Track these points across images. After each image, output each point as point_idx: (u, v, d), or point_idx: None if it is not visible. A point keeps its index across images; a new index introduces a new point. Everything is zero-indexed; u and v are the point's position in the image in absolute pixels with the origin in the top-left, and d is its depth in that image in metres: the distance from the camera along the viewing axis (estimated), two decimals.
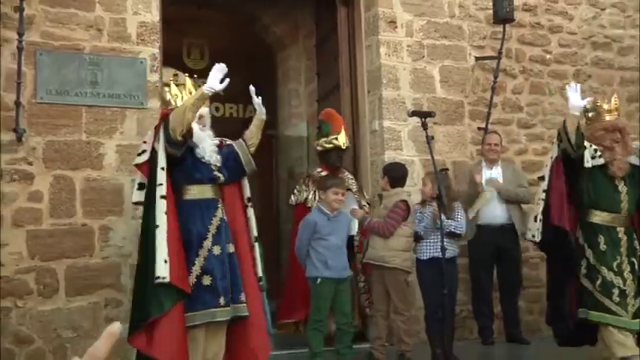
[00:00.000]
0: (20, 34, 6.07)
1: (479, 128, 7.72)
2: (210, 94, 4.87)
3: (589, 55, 8.57)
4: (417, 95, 7.65)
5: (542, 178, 5.83)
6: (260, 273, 5.09)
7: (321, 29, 8.38)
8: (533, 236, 5.68)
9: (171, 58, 7.14)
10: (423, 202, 6.20)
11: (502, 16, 7.74)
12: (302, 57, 9.02)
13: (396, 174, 6.30)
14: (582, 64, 8.51)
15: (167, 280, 4.48)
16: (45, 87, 6.26)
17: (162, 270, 4.49)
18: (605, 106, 5.74)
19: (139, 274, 4.80)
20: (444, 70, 7.82)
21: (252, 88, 5.26)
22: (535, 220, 5.68)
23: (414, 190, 6.89)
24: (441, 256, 5.66)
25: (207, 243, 4.78)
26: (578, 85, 5.71)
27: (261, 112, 5.28)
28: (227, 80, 4.88)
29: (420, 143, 7.40)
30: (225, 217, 4.95)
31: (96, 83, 5.82)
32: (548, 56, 8.40)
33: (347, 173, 6.92)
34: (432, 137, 5.63)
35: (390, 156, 7.42)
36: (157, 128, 4.94)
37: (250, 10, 7.58)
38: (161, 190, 4.68)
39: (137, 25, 6.59)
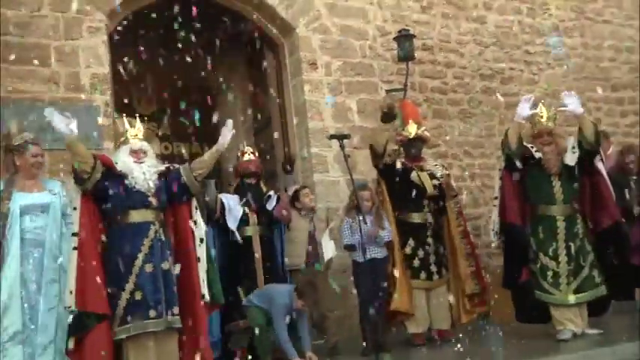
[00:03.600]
0: None
1: None
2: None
3: (478, 84, 8.64)
4: (339, 125, 7.61)
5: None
6: (203, 290, 4.79)
7: (253, 72, 8.33)
8: (496, 233, 5.84)
9: (123, 104, 6.98)
10: (352, 214, 5.92)
11: (405, 56, 7.81)
12: (238, 97, 8.92)
13: None
14: (474, 92, 8.57)
15: (72, 308, 4.38)
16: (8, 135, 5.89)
17: (68, 300, 4.40)
18: (539, 114, 5.76)
19: None
20: (359, 102, 7.82)
21: (229, 121, 5.03)
22: (494, 222, 5.82)
23: (340, 205, 6.83)
24: (378, 257, 5.78)
25: (139, 262, 4.58)
26: (532, 98, 5.73)
27: (222, 143, 4.99)
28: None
29: (343, 166, 7.37)
30: (162, 237, 4.71)
31: (54, 129, 5.58)
32: (445, 87, 8.45)
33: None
34: (349, 156, 5.61)
35: (318, 178, 7.40)
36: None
37: (190, 59, 7.47)
38: (73, 228, 4.58)
39: (90, 77, 6.46)
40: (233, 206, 5.98)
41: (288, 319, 5.33)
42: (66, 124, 4.63)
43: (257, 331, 5.30)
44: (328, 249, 6.07)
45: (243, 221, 6.02)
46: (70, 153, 4.76)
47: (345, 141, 5.66)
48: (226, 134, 4.95)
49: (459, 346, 5.51)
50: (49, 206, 4.80)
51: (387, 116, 6.55)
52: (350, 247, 5.86)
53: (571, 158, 5.63)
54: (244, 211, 6.02)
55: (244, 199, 6.04)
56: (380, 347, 5.40)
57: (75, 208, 4.61)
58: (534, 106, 5.75)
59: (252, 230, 6.03)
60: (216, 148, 4.99)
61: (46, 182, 5.00)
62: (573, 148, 5.63)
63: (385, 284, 5.82)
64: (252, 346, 5.57)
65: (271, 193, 6.20)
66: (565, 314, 5.52)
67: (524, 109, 5.63)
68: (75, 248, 4.51)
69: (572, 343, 5.25)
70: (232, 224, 5.92)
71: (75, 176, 4.65)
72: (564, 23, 9.43)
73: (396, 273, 5.89)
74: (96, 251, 4.60)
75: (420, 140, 6.37)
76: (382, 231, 5.84)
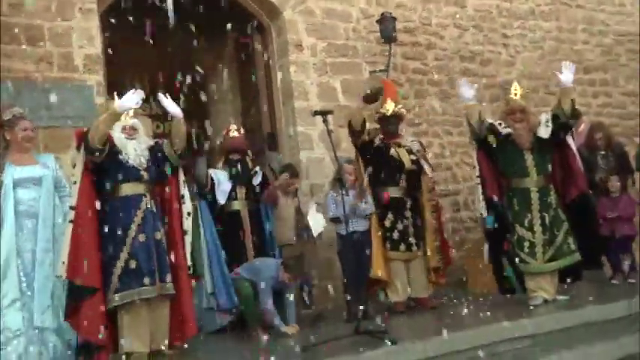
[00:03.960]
0: None
1: None
2: (120, 111, 4.70)
3: (458, 66, 8.67)
4: (323, 104, 7.51)
5: (474, 167, 5.96)
6: (189, 262, 4.89)
7: (241, 55, 8.28)
8: (481, 213, 5.87)
9: (116, 87, 6.99)
10: (336, 188, 5.93)
11: (388, 37, 7.83)
12: (229, 80, 8.79)
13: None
14: (453, 74, 8.55)
15: (63, 277, 4.44)
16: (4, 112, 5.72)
17: (60, 270, 4.45)
18: (512, 92, 5.80)
19: None
20: (344, 83, 7.81)
21: (160, 95, 4.96)
22: (479, 200, 5.84)
23: (326, 181, 6.88)
24: (360, 230, 5.85)
25: (131, 232, 4.63)
26: (466, 83, 5.87)
27: (173, 113, 4.93)
28: (139, 101, 4.68)
29: (328, 143, 7.44)
30: (153, 209, 4.77)
31: (49, 107, 5.59)
32: (426, 68, 8.48)
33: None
34: (332, 131, 5.58)
35: (303, 155, 7.44)
36: (77, 145, 4.77)
37: (180, 42, 7.47)
38: (71, 201, 4.60)
39: (83, 57, 6.42)
40: (222, 181, 6.01)
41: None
42: (130, 102, 4.60)
43: (245, 301, 5.38)
44: (317, 223, 6.10)
45: (232, 196, 6.05)
46: (101, 123, 4.65)
47: (330, 119, 5.66)
48: (168, 105, 4.90)
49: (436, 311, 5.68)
50: (41, 179, 4.85)
51: (370, 97, 6.51)
52: (335, 220, 5.92)
53: (545, 131, 5.65)
54: (233, 185, 6.05)
55: (232, 174, 6.06)
56: (363, 314, 5.37)
57: (75, 182, 4.61)
58: (473, 89, 5.82)
59: (239, 205, 6.07)
60: (174, 120, 4.96)
61: (39, 156, 5.04)
62: (547, 122, 5.66)
63: (368, 255, 5.87)
64: (241, 317, 5.63)
65: (257, 169, 6.23)
66: (538, 282, 5.60)
67: (466, 92, 5.76)
68: (71, 221, 4.53)
69: (543, 308, 5.36)
70: (222, 198, 5.97)
71: (87, 148, 4.60)
72: (540, 8, 9.45)
73: (374, 244, 5.95)
74: (92, 225, 4.61)
75: (396, 117, 6.35)
76: (364, 204, 5.90)
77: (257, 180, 6.15)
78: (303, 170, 7.30)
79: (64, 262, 4.42)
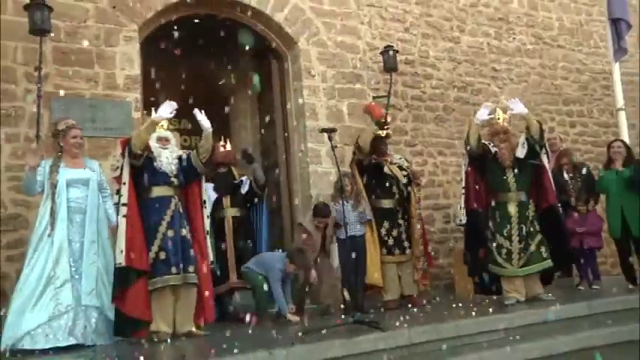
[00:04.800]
0: (39, 86, 6.02)
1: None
2: (158, 120, 5.02)
3: (452, 94, 8.79)
4: (332, 124, 7.48)
5: (460, 180, 6.15)
6: (211, 257, 5.13)
7: (263, 79, 8.35)
8: (461, 220, 6.03)
9: (151, 103, 7.23)
10: (337, 201, 6.15)
11: (390, 67, 7.95)
12: (247, 99, 9.03)
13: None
14: (448, 101, 8.71)
15: (123, 264, 4.67)
16: None
17: (119, 258, 4.69)
18: (497, 116, 6.02)
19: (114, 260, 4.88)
20: (350, 106, 7.93)
21: (196, 110, 5.22)
22: (460, 209, 6.03)
23: (331, 191, 6.89)
24: (358, 234, 5.98)
25: (162, 228, 4.85)
26: (489, 106, 6.01)
27: (205, 127, 5.20)
28: (173, 111, 5.00)
29: (334, 158, 7.64)
30: (180, 209, 4.98)
31: (94, 120, 5.89)
32: (424, 95, 8.60)
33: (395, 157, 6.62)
34: (336, 146, 5.67)
35: (312, 169, 7.54)
36: (122, 152, 5.00)
37: (208, 65, 7.77)
38: (123, 199, 4.82)
39: (124, 78, 6.65)
40: (210, 193, 6.01)
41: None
42: (166, 112, 4.91)
43: (260, 291, 5.59)
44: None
45: (219, 205, 6.14)
46: (142, 131, 4.97)
47: (336, 138, 5.91)
48: (201, 119, 5.16)
49: (425, 308, 5.81)
50: (89, 180, 5.11)
51: (381, 124, 6.49)
52: (337, 225, 6.10)
53: (521, 152, 5.80)
54: (220, 195, 6.15)
55: (219, 184, 6.15)
56: (359, 309, 5.58)
57: (124, 183, 4.85)
58: (492, 111, 6.00)
59: (224, 212, 6.15)
60: (205, 133, 5.23)
61: (86, 161, 5.30)
62: (523, 143, 5.82)
63: (364, 257, 6.03)
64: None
65: (244, 178, 6.24)
66: (512, 285, 5.74)
67: (483, 114, 5.91)
68: (124, 216, 4.77)
69: (515, 307, 5.51)
70: (208, 207, 5.84)
71: (130, 153, 4.88)
72: (525, 46, 9.55)
73: (370, 251, 6.07)
74: (139, 219, 4.85)
75: (387, 138, 6.57)
76: (363, 210, 6.09)
77: (244, 189, 6.19)
78: (312, 181, 7.47)
79: (122, 251, 4.67)
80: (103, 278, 4.94)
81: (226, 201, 6.22)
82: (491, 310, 5.35)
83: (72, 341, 4.72)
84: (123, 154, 4.96)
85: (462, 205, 6.00)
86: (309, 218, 6.26)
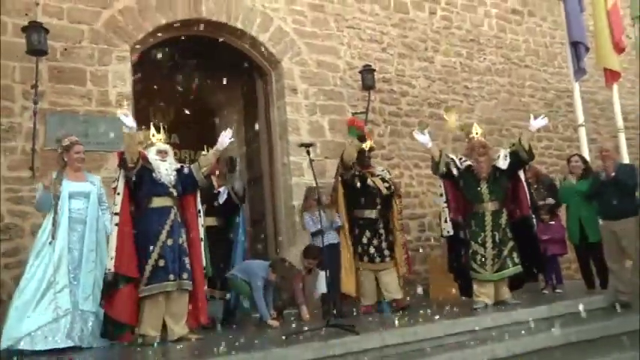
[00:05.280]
0: (35, 103, 6.15)
1: None
2: (220, 148, 5.24)
3: (427, 110, 8.87)
4: (313, 139, 7.67)
5: (441, 195, 6.13)
6: (203, 263, 5.11)
7: (246, 95, 8.50)
8: (448, 232, 5.99)
9: (144, 117, 7.28)
10: (308, 209, 6.26)
11: (368, 86, 8.10)
12: (234, 114, 9.01)
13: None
14: (422, 117, 8.78)
15: (112, 270, 4.71)
16: (52, 139, 6.18)
17: (109, 264, 4.74)
18: (474, 132, 6.07)
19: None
20: (331, 122, 7.99)
21: (229, 130, 5.32)
22: (445, 221, 6.00)
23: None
24: (334, 242, 5.95)
25: (162, 237, 4.88)
26: (426, 131, 6.19)
27: (221, 143, 5.26)
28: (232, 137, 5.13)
29: (317, 172, 7.57)
30: (178, 219, 5.01)
31: (87, 135, 5.93)
32: (400, 111, 8.68)
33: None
34: (313, 160, 5.70)
35: (295, 181, 7.55)
36: (119, 164, 5.05)
37: (197, 82, 7.80)
38: (115, 209, 4.87)
39: (116, 95, 6.69)
40: None
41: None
42: (128, 123, 4.89)
43: (245, 298, 5.64)
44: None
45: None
46: (125, 145, 4.96)
47: (317, 152, 5.81)
48: (224, 138, 5.24)
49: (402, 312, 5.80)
50: (89, 193, 5.20)
51: (362, 138, 6.40)
52: (316, 234, 6.06)
53: (503, 164, 5.88)
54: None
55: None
56: (336, 314, 5.60)
57: (118, 193, 4.90)
58: (428, 135, 6.09)
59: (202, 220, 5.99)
60: (216, 148, 5.29)
61: (87, 175, 5.38)
62: (506, 156, 5.89)
63: (338, 265, 6.02)
64: (227, 313, 5.80)
65: (222, 189, 6.11)
66: (483, 289, 5.81)
67: (422, 139, 6.06)
68: (116, 224, 4.79)
69: (483, 310, 5.61)
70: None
71: (123, 164, 4.90)
72: (495, 66, 9.69)
73: (345, 261, 6.05)
74: (131, 228, 4.88)
75: (371, 151, 6.57)
76: (336, 218, 6.15)
77: (222, 198, 6.06)
78: (294, 193, 7.50)
79: (112, 258, 4.71)
80: (100, 285, 4.97)
81: (203, 210, 6.11)
82: (461, 313, 5.45)
83: (70, 343, 4.79)
84: (119, 166, 4.98)
85: (447, 218, 6.02)
86: (297, 256, 6.15)
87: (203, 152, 5.74)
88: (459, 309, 5.69)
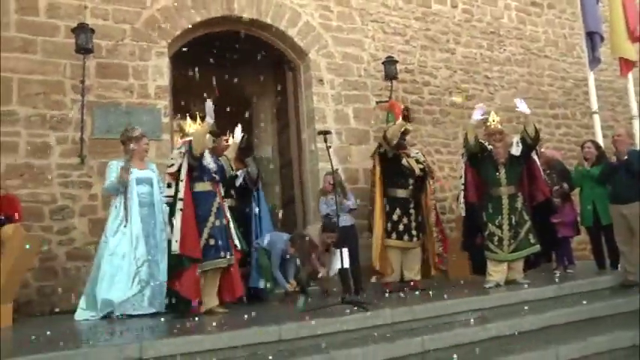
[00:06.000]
0: (83, 96, 6.33)
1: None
2: (237, 144, 5.52)
3: (448, 99, 8.75)
4: (338, 126, 7.81)
5: (460, 177, 6.12)
6: (236, 240, 5.11)
7: (277, 86, 8.46)
8: (461, 213, 6.05)
9: (182, 107, 7.37)
10: (325, 194, 6.23)
11: (391, 76, 8.02)
12: (267, 105, 9.11)
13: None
14: (443, 106, 8.68)
15: (177, 252, 4.70)
16: (98, 129, 6.43)
17: (175, 246, 4.72)
18: (491, 119, 5.94)
19: (169, 246, 4.85)
20: (355, 110, 7.96)
21: (239, 126, 5.55)
22: (460, 203, 6.00)
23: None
24: (347, 225, 5.88)
25: (211, 219, 4.91)
26: (483, 106, 5.94)
27: (237, 138, 5.59)
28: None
29: (341, 157, 7.64)
30: (221, 202, 5.07)
31: (129, 125, 6.03)
32: (422, 100, 8.59)
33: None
34: (330, 146, 5.62)
35: (321, 165, 7.51)
36: (185, 151, 4.91)
37: (234, 76, 7.82)
38: (180, 194, 4.83)
39: (155, 88, 6.81)
40: None
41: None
42: (210, 115, 4.92)
43: (263, 266, 5.65)
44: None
45: None
46: (198, 136, 4.91)
47: (342, 138, 5.78)
48: (237, 133, 5.48)
49: (420, 291, 5.69)
50: (151, 179, 5.43)
51: (407, 117, 6.15)
52: (327, 217, 6.06)
53: (516, 150, 5.78)
54: None
55: None
56: (355, 291, 5.57)
57: (181, 180, 4.88)
58: (484, 113, 5.93)
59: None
60: (235, 142, 5.53)
61: (147, 163, 5.58)
62: (517, 143, 5.80)
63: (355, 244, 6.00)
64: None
65: (239, 172, 5.85)
66: (496, 269, 5.70)
67: (477, 114, 5.87)
68: (180, 209, 4.76)
69: (494, 289, 5.46)
70: None
71: (191, 154, 4.88)
72: (515, 56, 9.52)
73: (376, 237, 5.94)
74: (192, 212, 4.83)
75: (407, 133, 6.37)
76: (348, 202, 6.13)
77: (238, 181, 5.90)
78: (320, 176, 7.41)
79: (176, 241, 4.73)
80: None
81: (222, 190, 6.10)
82: (471, 292, 5.31)
83: (152, 310, 5.14)
84: (183, 154, 4.92)
85: (462, 200, 5.97)
86: (315, 235, 6.08)
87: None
88: (471, 289, 5.57)
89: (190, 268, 4.75)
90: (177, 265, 4.77)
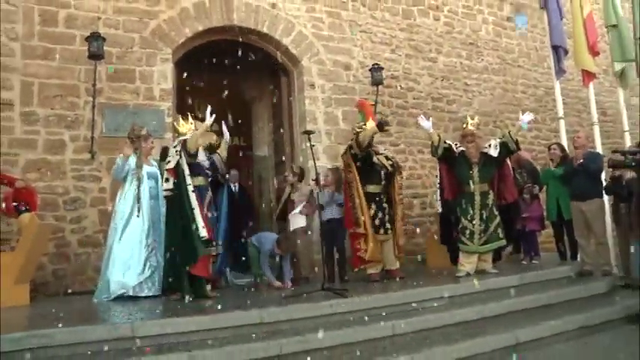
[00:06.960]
0: (94, 98, 6.34)
1: None
2: (227, 140, 5.51)
3: (430, 104, 8.73)
4: (328, 127, 7.79)
5: (436, 176, 6.15)
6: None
7: (273, 90, 8.45)
8: (439, 210, 6.12)
9: (185, 109, 7.32)
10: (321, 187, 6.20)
11: (377, 82, 8.00)
12: (265, 107, 9.05)
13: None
14: (426, 109, 8.57)
15: (206, 237, 4.76)
16: (107, 127, 6.44)
17: (204, 232, 4.75)
18: (469, 123, 5.96)
19: (184, 233, 4.78)
20: (344, 113, 7.93)
21: (223, 123, 5.47)
22: (437, 200, 6.06)
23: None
24: (336, 217, 5.83)
25: (205, 211, 4.95)
26: (425, 117, 6.00)
27: (226, 137, 5.58)
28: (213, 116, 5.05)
29: (330, 155, 7.62)
30: (211, 195, 5.17)
31: (135, 124, 6.00)
32: (406, 104, 8.56)
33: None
34: (314, 145, 5.61)
35: (311, 163, 6.92)
36: (179, 150, 4.95)
37: (233, 80, 7.79)
38: (191, 187, 4.83)
39: (159, 90, 6.80)
40: None
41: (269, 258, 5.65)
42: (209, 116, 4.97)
43: (252, 261, 5.62)
44: (296, 222, 6.06)
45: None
46: (199, 135, 5.02)
47: (332, 138, 5.86)
48: (208, 117, 5.04)
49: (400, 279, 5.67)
50: (156, 174, 5.49)
51: (381, 125, 6.01)
52: (320, 207, 5.94)
53: (494, 152, 5.82)
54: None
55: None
56: (339, 279, 5.56)
57: (188, 174, 4.91)
58: (429, 121, 5.92)
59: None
60: (225, 140, 5.54)
61: (151, 160, 5.63)
62: (496, 145, 5.82)
63: (342, 236, 5.99)
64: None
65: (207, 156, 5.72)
66: (467, 260, 5.71)
67: (425, 124, 5.87)
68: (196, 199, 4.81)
69: (464, 279, 5.49)
70: None
71: (188, 152, 4.94)
72: (492, 65, 9.51)
73: (369, 231, 5.77)
74: (201, 202, 4.91)
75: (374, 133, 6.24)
76: (339, 195, 6.07)
77: (206, 163, 5.72)
78: (311, 173, 7.31)
79: (203, 227, 4.75)
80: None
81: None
82: (444, 281, 5.37)
83: (158, 292, 5.19)
84: (178, 152, 4.94)
85: (438, 197, 6.03)
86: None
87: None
88: (445, 277, 5.60)
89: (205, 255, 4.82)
90: (194, 250, 4.70)
